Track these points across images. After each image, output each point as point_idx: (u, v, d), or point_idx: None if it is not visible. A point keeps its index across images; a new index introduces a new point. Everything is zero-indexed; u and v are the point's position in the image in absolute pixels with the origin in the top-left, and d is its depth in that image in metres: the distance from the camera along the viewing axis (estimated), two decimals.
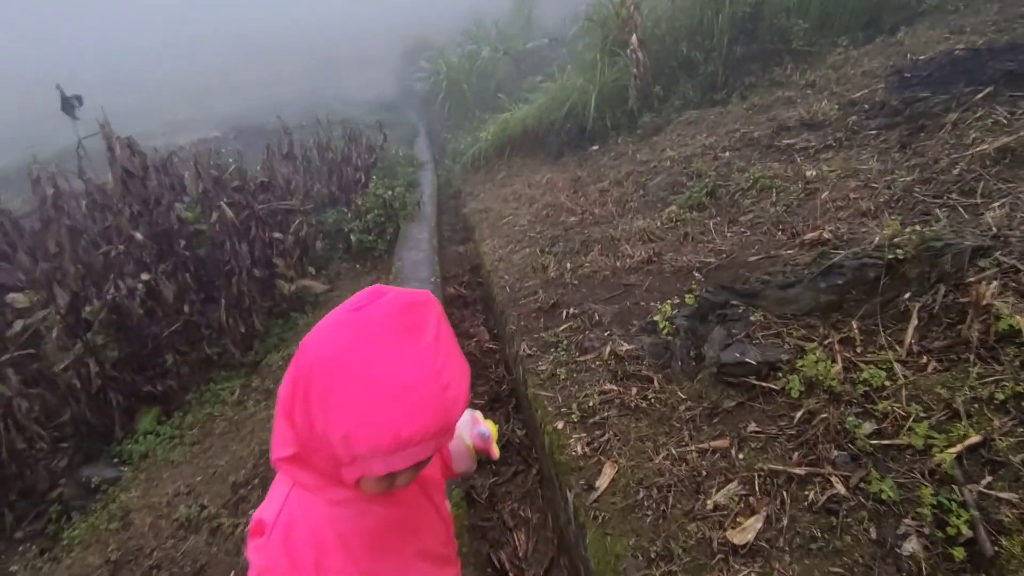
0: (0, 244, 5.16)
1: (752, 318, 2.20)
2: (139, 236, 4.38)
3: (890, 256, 1.99)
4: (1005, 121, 3.27)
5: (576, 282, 3.78)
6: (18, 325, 3.91)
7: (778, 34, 6.73)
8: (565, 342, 3.11)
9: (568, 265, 4.08)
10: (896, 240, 2.06)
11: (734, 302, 2.34)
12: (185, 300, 4.86)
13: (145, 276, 4.38)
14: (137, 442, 4.16)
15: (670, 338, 2.69)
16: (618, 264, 3.81)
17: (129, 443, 4.20)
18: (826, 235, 2.80)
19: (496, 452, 1.23)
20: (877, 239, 2.12)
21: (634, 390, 2.49)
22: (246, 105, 18.42)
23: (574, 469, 2.17)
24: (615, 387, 2.56)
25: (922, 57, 4.90)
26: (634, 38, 7.45)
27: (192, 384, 4.83)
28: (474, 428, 1.19)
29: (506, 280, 4.27)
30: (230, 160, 7.73)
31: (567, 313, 3.42)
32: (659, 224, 4.17)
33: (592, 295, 3.55)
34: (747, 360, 2.05)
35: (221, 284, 5.06)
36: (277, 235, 5.54)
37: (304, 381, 0.74)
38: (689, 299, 2.77)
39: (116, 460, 4.18)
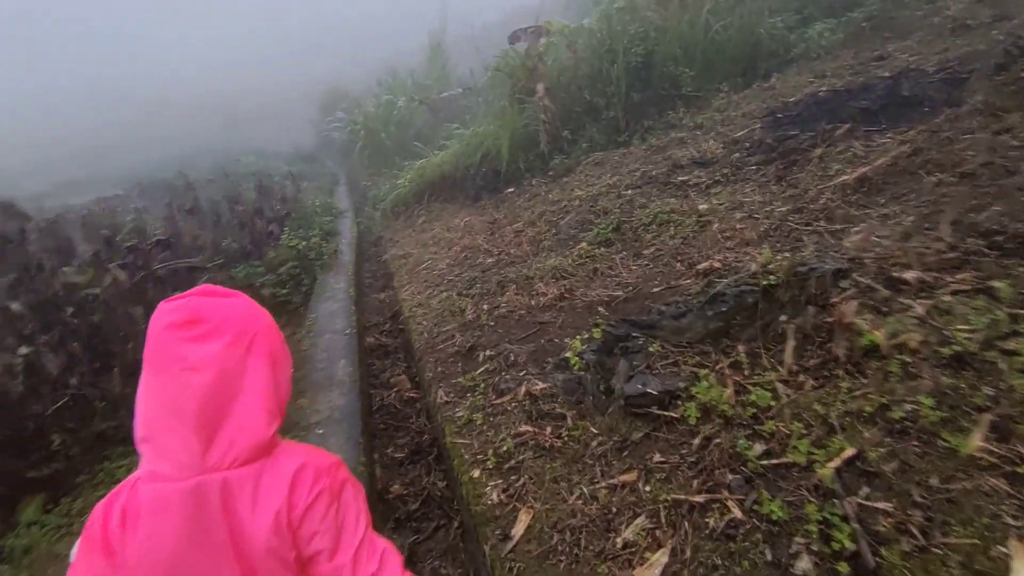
0: None
1: (651, 348, 2.29)
2: (15, 307, 3.99)
3: (765, 282, 2.15)
4: (862, 153, 3.66)
5: (493, 323, 3.79)
6: None
7: (669, 80, 7.28)
8: (482, 385, 3.09)
9: (485, 306, 4.10)
10: (770, 267, 2.24)
11: (635, 334, 2.42)
12: (73, 372, 4.44)
13: (24, 349, 3.97)
14: (18, 536, 3.68)
15: (581, 373, 2.73)
16: (532, 302, 3.87)
17: (10, 537, 3.71)
18: (716, 264, 2.98)
19: None
20: (753, 267, 2.29)
21: (548, 429, 2.50)
22: (151, 161, 17.61)
23: (490, 519, 2.13)
24: (530, 428, 2.56)
25: (791, 99, 5.45)
26: (540, 87, 7.82)
27: (84, 464, 4.37)
28: None
29: (424, 326, 4.23)
30: (128, 219, 7.29)
31: (484, 355, 3.41)
32: (571, 261, 4.29)
33: (508, 335, 3.57)
34: (649, 390, 2.12)
35: (116, 355, 4.68)
36: None
37: (269, 345, 1.04)
38: (596, 333, 2.84)
39: None
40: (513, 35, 8.49)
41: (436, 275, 5.28)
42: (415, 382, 4.20)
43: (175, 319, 0.97)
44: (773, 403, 1.88)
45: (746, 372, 2.05)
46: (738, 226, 3.50)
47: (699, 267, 3.10)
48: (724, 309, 2.18)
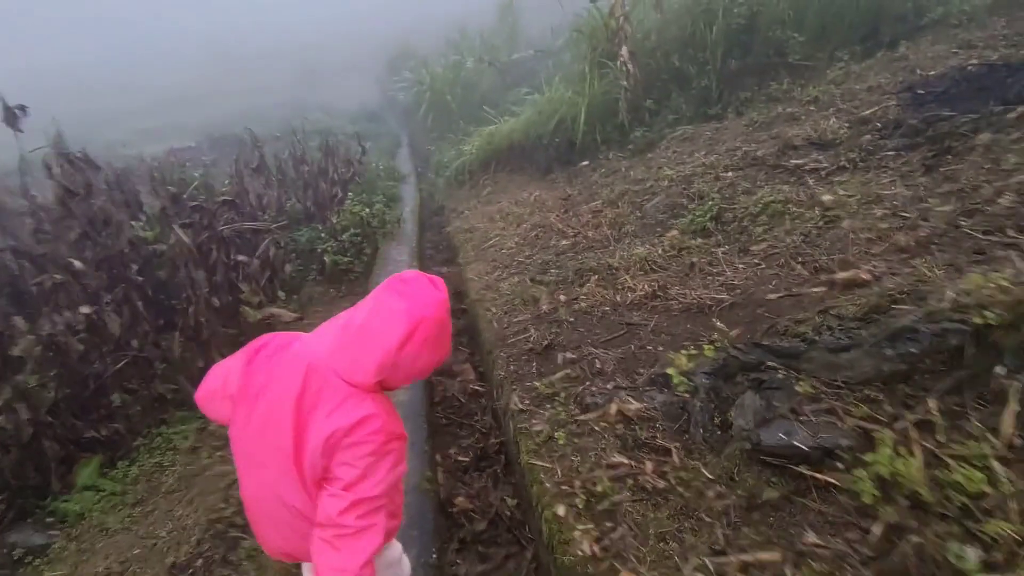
0: None
1: (798, 388, 1.82)
2: (78, 264, 3.88)
3: (976, 320, 1.62)
4: None
5: (572, 319, 3.38)
6: None
7: (773, 47, 6.48)
8: (563, 395, 2.70)
9: (562, 298, 3.68)
10: (979, 297, 1.69)
11: (771, 363, 1.95)
12: (135, 332, 4.35)
13: (86, 309, 3.87)
14: (73, 500, 3.64)
15: (687, 397, 2.29)
16: (618, 298, 3.43)
17: (65, 499, 3.68)
18: (863, 276, 2.44)
19: None
20: (950, 294, 1.76)
21: (649, 465, 2.09)
22: (222, 114, 17.86)
23: None
24: (626, 460, 2.16)
25: (932, 73, 4.64)
26: (624, 49, 7.16)
27: (143, 426, 4.31)
28: None
29: (493, 313, 3.85)
30: (195, 174, 7.21)
31: (563, 357, 3.01)
32: (661, 252, 3.80)
33: (591, 335, 3.15)
34: (796, 443, 1.66)
35: (178, 315, 4.57)
36: (242, 258, 5.06)
37: (423, 333, 1.22)
38: (708, 350, 2.38)
39: (51, 519, 3.67)
40: None
41: (505, 255, 4.88)
42: (479, 372, 3.86)
43: (401, 276, 1.29)
44: (989, 490, 1.39)
45: (941, 438, 1.55)
46: (881, 226, 2.90)
47: (836, 276, 2.56)
48: (914, 350, 1.68)
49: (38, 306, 4.20)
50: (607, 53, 7.43)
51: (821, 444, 1.64)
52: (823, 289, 2.63)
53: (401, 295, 1.23)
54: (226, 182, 7.27)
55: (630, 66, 7.11)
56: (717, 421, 2.10)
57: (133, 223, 5.23)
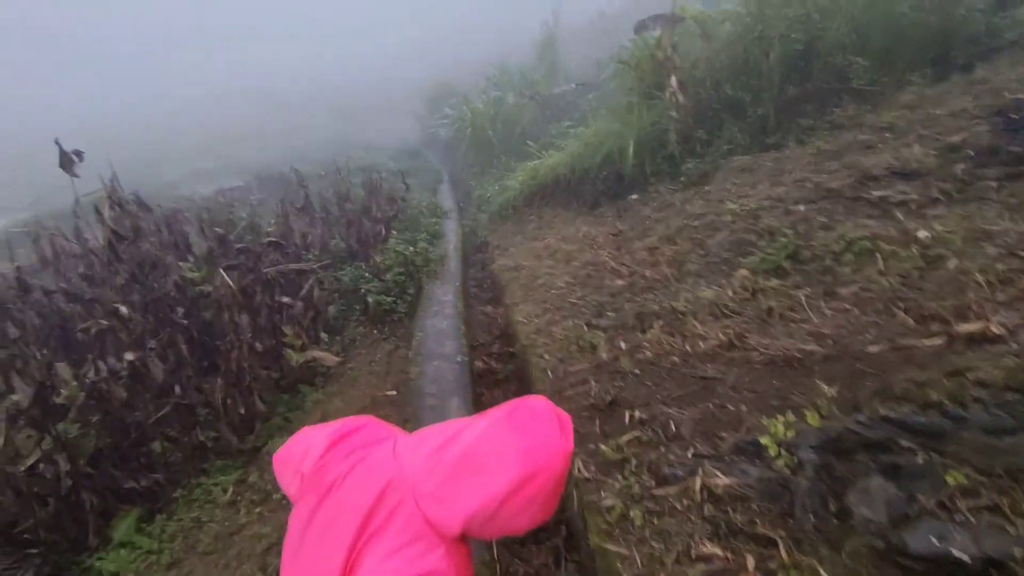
0: None
1: (948, 478, 1.48)
2: (124, 310, 3.82)
3: None
4: None
5: (637, 371, 3.07)
6: None
7: (834, 73, 6.15)
8: (634, 462, 2.39)
9: (623, 345, 3.38)
10: None
11: (904, 442, 1.61)
12: (179, 378, 4.26)
13: (130, 355, 3.80)
14: (109, 558, 3.49)
15: (788, 473, 1.95)
16: (688, 347, 3.11)
17: (100, 557, 3.53)
18: (993, 329, 2.07)
19: None
20: None
21: (751, 560, 1.75)
22: (269, 154, 18.44)
23: None
24: (720, 551, 1.82)
25: (1022, 96, 4.23)
26: (673, 80, 6.94)
27: (182, 476, 4.18)
28: None
29: (547, 361, 3.58)
30: (243, 214, 7.28)
31: (631, 416, 2.71)
32: (731, 294, 3.47)
33: (660, 391, 2.84)
34: (954, 552, 1.32)
35: (221, 358, 4.47)
36: (286, 299, 4.97)
37: (536, 486, 0.96)
38: (811, 418, 2.05)
39: None
40: (640, 24, 7.66)
41: (555, 295, 4.62)
42: None
43: (530, 405, 1.05)
44: None
45: None
46: (998, 267, 2.53)
47: (956, 328, 2.20)
48: None
49: (84, 352, 4.17)
50: (654, 84, 7.24)
51: (988, 554, 1.29)
52: (939, 342, 2.26)
53: (522, 431, 0.99)
54: (272, 221, 7.33)
55: (680, 96, 6.88)
56: (834, 509, 1.75)
57: (181, 264, 5.23)
